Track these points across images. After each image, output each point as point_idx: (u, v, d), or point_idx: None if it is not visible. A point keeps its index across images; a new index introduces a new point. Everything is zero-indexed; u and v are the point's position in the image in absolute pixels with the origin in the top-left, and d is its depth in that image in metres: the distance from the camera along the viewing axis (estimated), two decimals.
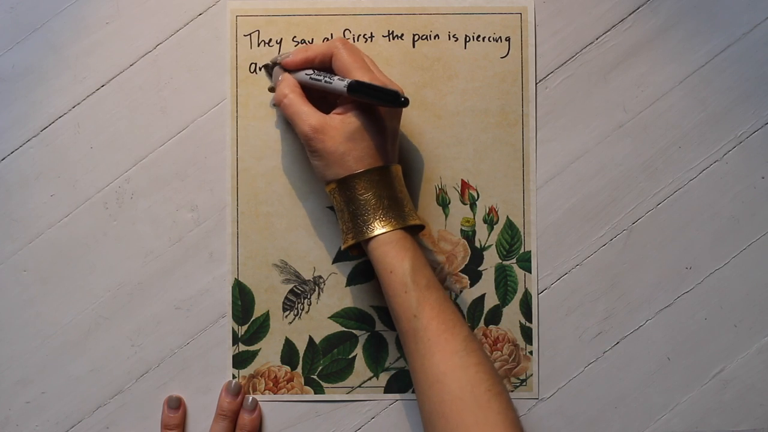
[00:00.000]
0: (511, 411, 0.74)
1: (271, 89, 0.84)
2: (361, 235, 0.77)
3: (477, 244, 0.85)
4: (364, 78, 0.76)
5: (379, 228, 0.76)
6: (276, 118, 0.85)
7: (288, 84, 0.80)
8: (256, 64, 0.85)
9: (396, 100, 0.74)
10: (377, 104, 0.77)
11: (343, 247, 0.80)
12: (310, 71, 0.79)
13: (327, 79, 0.78)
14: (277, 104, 0.81)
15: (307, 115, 0.77)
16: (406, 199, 0.78)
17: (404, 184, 0.79)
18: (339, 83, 0.76)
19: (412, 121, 0.85)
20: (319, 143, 0.77)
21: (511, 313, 0.85)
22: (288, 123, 0.85)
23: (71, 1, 0.85)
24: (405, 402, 0.85)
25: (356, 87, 0.75)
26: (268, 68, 0.84)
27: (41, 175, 0.85)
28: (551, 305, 0.85)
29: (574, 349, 0.85)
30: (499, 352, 0.85)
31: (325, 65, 0.79)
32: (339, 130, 0.76)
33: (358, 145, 0.76)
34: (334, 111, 0.78)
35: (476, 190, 0.85)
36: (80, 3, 0.85)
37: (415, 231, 0.79)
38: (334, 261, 0.85)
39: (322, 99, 0.80)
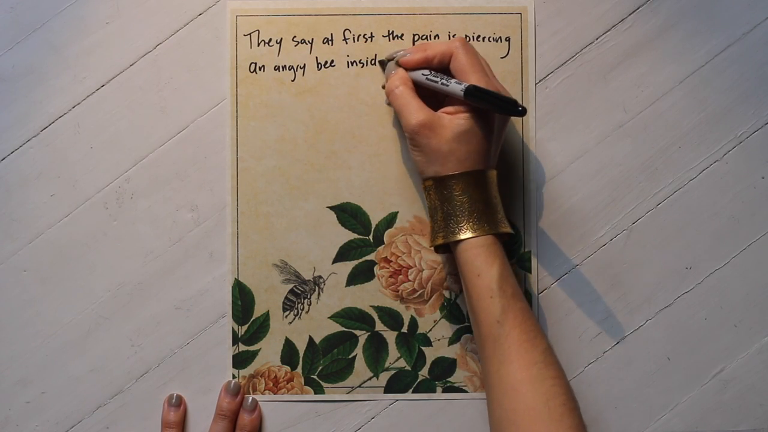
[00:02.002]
0: (583, 428, 0.73)
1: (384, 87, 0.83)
2: (453, 236, 0.77)
3: None
4: (480, 82, 0.76)
5: (471, 231, 0.76)
6: (276, 118, 0.85)
7: (400, 77, 0.79)
8: (256, 63, 0.85)
9: (513, 109, 0.74)
10: (493, 110, 0.76)
11: (431, 245, 0.80)
12: (427, 71, 0.79)
13: (444, 81, 0.77)
14: (387, 94, 0.80)
15: (417, 109, 0.77)
16: (499, 204, 0.78)
17: (497, 189, 0.79)
18: (456, 86, 0.76)
19: None
20: (425, 139, 0.77)
21: None
22: (288, 123, 0.85)
23: (71, 1, 0.85)
24: (405, 402, 0.85)
25: (474, 92, 0.75)
26: (383, 64, 0.84)
27: (41, 175, 0.85)
28: (551, 305, 0.85)
29: (574, 349, 0.85)
30: None
31: (443, 65, 0.79)
32: (447, 129, 0.76)
33: (463, 147, 0.76)
34: (443, 109, 0.78)
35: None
36: (80, 3, 0.85)
37: (504, 237, 0.79)
38: (334, 261, 0.85)
39: (431, 96, 0.79)
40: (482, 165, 0.77)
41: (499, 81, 0.79)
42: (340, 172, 0.85)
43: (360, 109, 0.85)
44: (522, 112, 0.74)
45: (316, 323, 0.85)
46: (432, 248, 0.80)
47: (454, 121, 0.76)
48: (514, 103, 0.74)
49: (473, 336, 0.82)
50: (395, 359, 0.85)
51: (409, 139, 0.78)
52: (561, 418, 0.72)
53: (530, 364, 0.73)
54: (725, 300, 0.85)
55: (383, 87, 0.84)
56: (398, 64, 0.81)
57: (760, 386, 0.85)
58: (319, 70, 0.85)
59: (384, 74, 0.84)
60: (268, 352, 0.85)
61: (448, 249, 0.80)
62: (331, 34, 0.85)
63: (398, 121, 0.82)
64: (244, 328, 0.85)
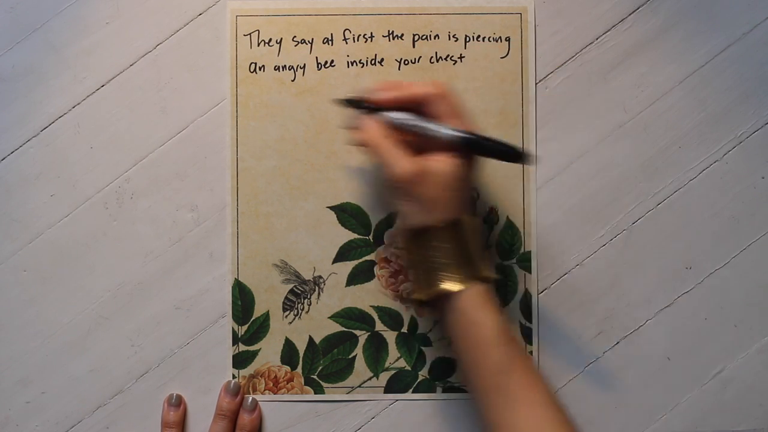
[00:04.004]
0: None
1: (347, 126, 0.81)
2: (440, 288, 0.74)
3: None
4: (465, 128, 0.74)
5: (460, 282, 0.74)
6: (276, 118, 0.85)
7: (373, 126, 0.76)
8: (256, 63, 0.85)
9: (518, 156, 0.71)
10: (492, 158, 0.74)
11: (414, 298, 0.78)
12: (408, 116, 0.75)
13: (432, 126, 0.74)
14: (365, 144, 0.76)
15: (402, 157, 0.74)
16: (483, 251, 0.76)
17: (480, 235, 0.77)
18: (451, 132, 0.73)
19: None
20: (417, 187, 0.73)
21: (511, 313, 0.85)
22: (288, 123, 0.85)
23: (71, 1, 0.85)
24: (405, 402, 0.85)
25: (476, 139, 0.72)
26: (351, 103, 0.79)
27: (41, 175, 0.85)
28: (551, 305, 0.85)
29: (574, 349, 0.85)
30: None
31: (415, 107, 0.75)
32: (440, 176, 0.73)
33: (452, 194, 0.74)
34: (429, 156, 0.74)
35: (476, 190, 0.85)
36: (80, 3, 0.85)
37: (488, 282, 0.76)
38: (334, 261, 0.85)
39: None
40: (466, 211, 0.75)
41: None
42: (340, 172, 0.85)
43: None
44: (528, 160, 0.72)
45: (316, 323, 0.85)
46: (416, 301, 0.78)
47: (447, 168, 0.73)
48: (519, 150, 0.72)
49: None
50: (395, 359, 0.85)
51: (398, 190, 0.75)
52: None
53: (538, 406, 0.72)
54: (725, 300, 0.85)
55: (346, 128, 0.81)
56: (366, 104, 0.77)
57: (760, 386, 0.85)
58: (319, 70, 0.85)
59: (350, 114, 0.80)
60: (268, 352, 0.85)
61: (434, 303, 0.76)
62: (331, 34, 0.85)
63: (372, 166, 0.81)
64: (244, 328, 0.85)
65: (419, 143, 0.76)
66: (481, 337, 0.73)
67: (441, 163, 0.74)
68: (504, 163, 0.78)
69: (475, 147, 0.73)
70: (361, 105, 0.78)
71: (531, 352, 0.85)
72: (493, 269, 0.77)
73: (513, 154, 0.72)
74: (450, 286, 0.74)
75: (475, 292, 0.74)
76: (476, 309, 0.74)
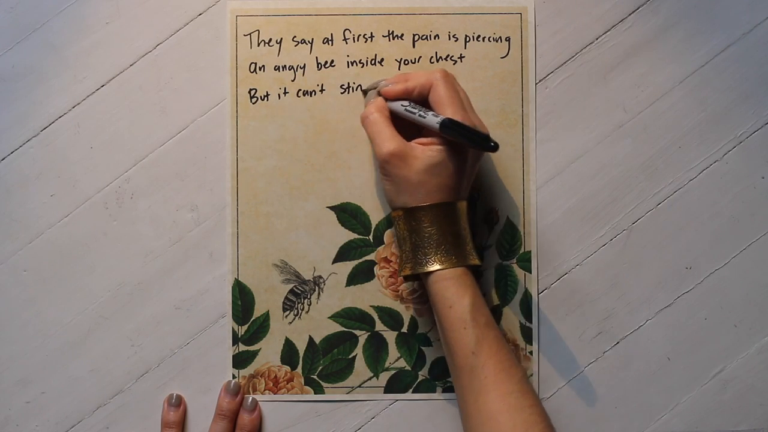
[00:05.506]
0: None
1: None
2: (421, 267, 0.77)
3: (477, 244, 0.85)
4: (456, 116, 0.75)
5: (439, 263, 0.76)
6: (276, 118, 0.85)
7: (377, 105, 0.79)
8: (256, 63, 0.85)
9: (485, 144, 0.73)
10: (466, 144, 0.76)
11: (399, 275, 0.80)
12: (406, 103, 0.78)
13: (421, 113, 0.77)
14: (361, 121, 0.80)
15: (389, 137, 0.77)
16: (468, 236, 0.78)
17: (468, 220, 0.78)
18: (432, 119, 0.76)
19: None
20: (395, 168, 0.76)
21: (511, 313, 0.85)
22: (288, 123, 0.85)
23: (71, 1, 0.85)
24: (405, 402, 0.85)
25: (448, 125, 0.74)
26: (365, 92, 0.84)
27: (41, 175, 0.85)
28: (551, 305, 0.85)
29: (574, 349, 0.85)
30: None
31: (423, 97, 0.79)
32: (419, 160, 0.76)
33: (434, 179, 0.76)
34: (416, 140, 0.78)
35: (476, 190, 0.85)
36: (80, 3, 0.85)
37: (473, 269, 0.79)
38: (334, 261, 0.85)
39: (410, 128, 0.79)
40: (452, 197, 0.77)
41: (477, 116, 0.79)
42: (340, 172, 0.85)
43: (360, 109, 0.85)
44: (494, 147, 0.73)
45: (316, 323, 0.85)
46: (401, 278, 0.80)
47: (426, 152, 0.76)
48: (487, 138, 0.74)
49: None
50: (395, 359, 0.85)
51: (380, 168, 0.78)
52: None
53: (507, 393, 0.74)
54: (725, 300, 0.85)
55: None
56: (379, 94, 0.80)
57: (760, 386, 0.85)
58: (319, 70, 0.85)
59: (365, 101, 0.84)
60: (268, 352, 0.85)
61: (417, 278, 0.79)
62: (331, 34, 0.85)
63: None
64: (244, 328, 0.85)
65: (420, 130, 0.79)
66: (454, 318, 0.75)
67: (422, 148, 0.76)
68: (504, 163, 0.83)
69: (451, 132, 0.75)
70: (374, 93, 0.81)
71: (531, 353, 0.85)
72: (474, 254, 0.77)
73: (482, 142, 0.74)
74: (428, 267, 0.76)
75: (452, 274, 0.76)
76: (451, 291, 0.76)
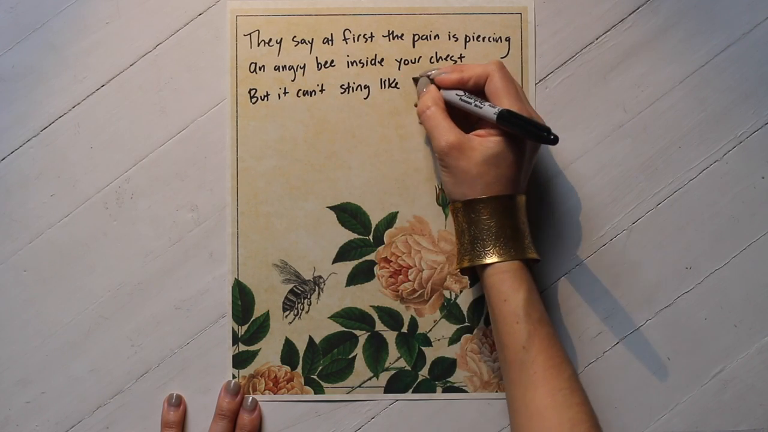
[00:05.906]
0: None
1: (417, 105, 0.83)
2: (479, 259, 0.77)
3: None
4: (513, 107, 0.76)
5: (497, 256, 0.76)
6: (276, 118, 0.85)
7: (432, 96, 0.80)
8: (256, 63, 0.85)
9: (544, 136, 0.73)
10: (523, 136, 0.76)
11: (456, 267, 0.80)
12: (461, 92, 0.79)
13: (477, 103, 0.77)
14: (419, 114, 0.80)
15: (447, 130, 0.77)
16: (526, 230, 0.78)
17: (526, 214, 0.78)
18: (489, 109, 0.76)
19: (412, 121, 0.85)
20: (454, 160, 0.77)
21: None
22: (288, 123, 0.85)
23: (71, 1, 0.85)
24: (405, 402, 0.85)
25: (507, 116, 0.74)
26: (416, 80, 0.84)
27: (41, 175, 0.85)
28: (551, 305, 0.85)
29: (574, 349, 0.85)
30: None
31: (478, 88, 0.79)
32: (477, 152, 0.76)
33: (492, 171, 0.76)
34: (475, 132, 0.78)
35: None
36: (80, 3, 0.85)
37: (531, 263, 0.78)
38: (334, 261, 0.85)
39: (462, 117, 0.79)
40: (511, 190, 0.77)
41: (533, 108, 0.79)
42: (340, 172, 0.85)
43: (360, 109, 0.85)
44: (554, 140, 0.73)
45: (316, 323, 0.85)
46: (458, 270, 0.80)
47: (484, 144, 0.76)
48: (546, 130, 0.73)
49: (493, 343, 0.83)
50: (395, 359, 0.85)
51: (438, 160, 0.78)
52: None
53: (556, 390, 0.74)
54: (725, 300, 0.85)
55: (415, 105, 0.83)
56: (432, 82, 0.81)
57: (760, 386, 0.85)
58: (319, 70, 0.85)
59: (416, 90, 0.84)
60: (268, 352, 0.85)
61: (474, 271, 0.80)
62: (331, 34, 0.85)
63: (429, 141, 0.82)
64: (244, 328, 0.85)
65: (476, 122, 0.79)
66: (508, 312, 0.75)
67: (479, 139, 0.77)
68: None
69: (509, 124, 0.75)
70: (431, 82, 0.81)
71: None
72: (533, 248, 0.77)
73: (541, 134, 0.74)
74: (486, 258, 0.76)
75: (509, 267, 0.76)
76: (506, 284, 0.76)
